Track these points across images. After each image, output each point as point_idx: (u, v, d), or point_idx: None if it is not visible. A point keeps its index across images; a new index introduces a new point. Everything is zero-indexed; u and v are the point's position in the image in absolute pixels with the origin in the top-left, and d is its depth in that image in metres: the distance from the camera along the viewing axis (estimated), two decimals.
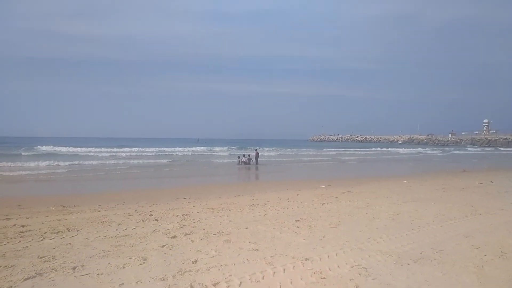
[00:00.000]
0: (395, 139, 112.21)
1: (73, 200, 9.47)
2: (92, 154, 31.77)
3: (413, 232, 6.06)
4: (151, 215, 7.37)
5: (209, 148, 43.90)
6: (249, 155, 24.42)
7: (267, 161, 27.60)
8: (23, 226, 6.37)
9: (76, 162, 22.52)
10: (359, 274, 4.19)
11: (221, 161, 27.77)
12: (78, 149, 37.03)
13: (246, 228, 6.24)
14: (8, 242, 5.36)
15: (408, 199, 9.42)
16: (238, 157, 24.96)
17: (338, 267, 4.40)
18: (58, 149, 37.02)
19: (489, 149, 64.18)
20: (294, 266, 4.40)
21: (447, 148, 60.33)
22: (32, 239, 5.52)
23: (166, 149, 39.29)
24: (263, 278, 4.06)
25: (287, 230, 6.11)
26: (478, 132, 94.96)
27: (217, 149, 44.02)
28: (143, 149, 39.92)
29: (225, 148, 45.73)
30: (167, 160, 26.20)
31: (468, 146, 75.74)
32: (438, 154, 45.00)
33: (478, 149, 61.71)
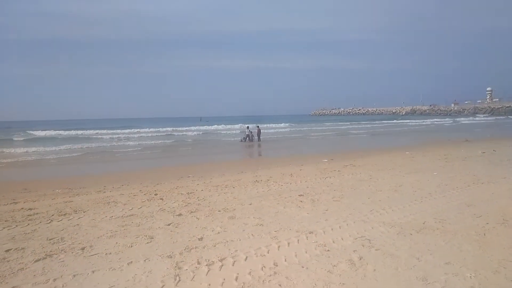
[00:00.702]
0: (398, 111, 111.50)
1: (79, 182, 9.55)
2: (95, 136, 31.88)
3: (415, 203, 6.10)
4: (156, 194, 7.43)
5: (215, 127, 43.65)
6: (251, 132, 24.48)
7: (269, 138, 27.64)
8: (30, 209, 6.47)
9: (80, 146, 22.65)
10: (363, 246, 4.25)
11: (227, 139, 27.89)
12: (78, 132, 37.17)
13: (250, 204, 6.30)
14: (17, 226, 5.46)
15: (411, 171, 9.43)
16: (244, 133, 25.01)
17: (342, 239, 4.47)
18: (55, 133, 36.74)
19: (502, 117, 63.25)
20: (298, 240, 4.47)
21: (457, 119, 59.61)
22: (40, 222, 5.62)
23: (174, 129, 39.50)
24: (268, 252, 4.13)
25: (290, 205, 6.17)
26: (481, 101, 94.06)
27: (227, 126, 43.82)
28: (147, 129, 40.08)
29: (237, 126, 44.60)
30: (171, 141, 26.27)
31: (479, 115, 74.86)
32: (446, 124, 44.87)
33: (491, 118, 60.76)
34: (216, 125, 45.63)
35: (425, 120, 57.79)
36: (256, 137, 24.39)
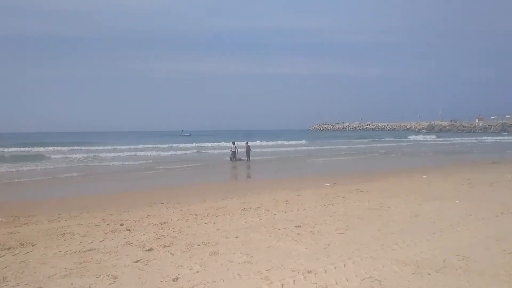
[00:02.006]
0: (413, 127, 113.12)
1: (27, 209, 9.36)
2: (49, 155, 31.37)
3: (434, 236, 6.13)
4: (122, 224, 7.34)
5: (196, 144, 43.53)
6: (236, 148, 24.58)
7: (260, 156, 27.64)
8: None
9: (32, 166, 22.29)
10: None
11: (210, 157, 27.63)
12: (29, 149, 36.62)
13: (237, 237, 6.26)
14: None
15: (429, 197, 9.51)
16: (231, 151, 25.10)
17: (347, 280, 4.44)
18: None
19: None
20: (294, 281, 4.42)
21: (483, 137, 60.49)
22: None
23: (150, 146, 39.74)
24: None
25: (285, 238, 6.15)
26: (510, 116, 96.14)
27: (211, 144, 43.85)
28: (118, 147, 39.92)
29: (224, 143, 43.75)
30: (141, 162, 25.86)
31: (507, 132, 76.07)
32: (470, 143, 45.57)
33: None
34: (198, 142, 45.54)
35: (445, 139, 58.76)
36: (245, 157, 24.49)
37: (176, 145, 43.25)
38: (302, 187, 12.23)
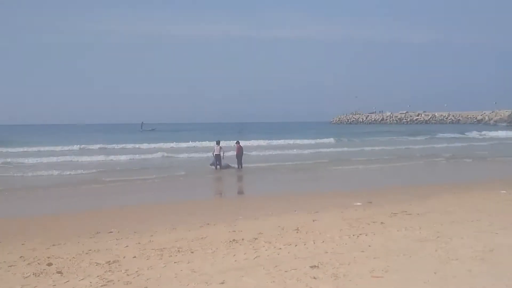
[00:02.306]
0: (487, 117, 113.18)
1: None
2: None
3: None
4: (50, 264, 7.25)
5: (161, 144, 43.38)
6: (222, 150, 24.62)
7: (258, 163, 27.60)
8: None
9: None
10: None
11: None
12: None
13: (223, 283, 6.21)
14: None
15: (510, 224, 9.52)
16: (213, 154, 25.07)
17: None
18: None
19: None
20: None
21: None
22: None
23: (99, 147, 39.99)
24: None
25: (295, 285, 6.10)
26: None
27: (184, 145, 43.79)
28: (38, 148, 39.76)
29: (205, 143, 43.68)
30: (84, 172, 25.76)
31: None
32: None
33: None
34: (165, 141, 45.13)
35: None
36: (232, 161, 24.50)
37: (133, 145, 43.19)
38: (320, 207, 12.20)
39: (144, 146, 42.56)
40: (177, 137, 54.43)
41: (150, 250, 8.04)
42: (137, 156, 33.08)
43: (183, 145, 43.91)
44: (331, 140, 51.78)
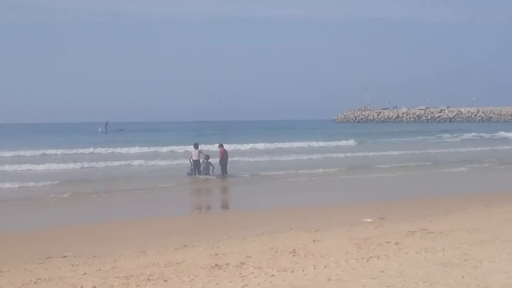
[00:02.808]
0: None
1: None
2: None
3: None
4: None
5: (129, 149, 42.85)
6: (199, 153, 24.41)
7: (249, 170, 27.37)
8: None
9: None
10: None
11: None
12: None
13: None
14: None
15: None
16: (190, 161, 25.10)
17: None
18: None
19: None
20: None
21: None
22: None
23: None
24: None
25: None
26: None
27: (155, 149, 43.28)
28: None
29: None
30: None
31: None
32: None
33: None
34: (134, 144, 44.70)
35: None
36: (215, 168, 24.67)
37: (92, 149, 42.88)
38: (322, 225, 12.11)
39: (109, 151, 42.39)
40: (149, 139, 53.98)
41: (113, 279, 7.80)
42: (99, 164, 32.50)
43: (154, 149, 43.74)
44: (351, 142, 52.32)
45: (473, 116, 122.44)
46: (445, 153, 39.89)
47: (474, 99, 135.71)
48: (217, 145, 27.38)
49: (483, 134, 65.47)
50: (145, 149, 43.28)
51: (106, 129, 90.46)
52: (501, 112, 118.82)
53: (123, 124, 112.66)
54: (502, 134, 63.90)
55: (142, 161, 34.50)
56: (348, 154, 39.08)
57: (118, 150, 42.50)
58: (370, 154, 39.27)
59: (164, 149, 43.68)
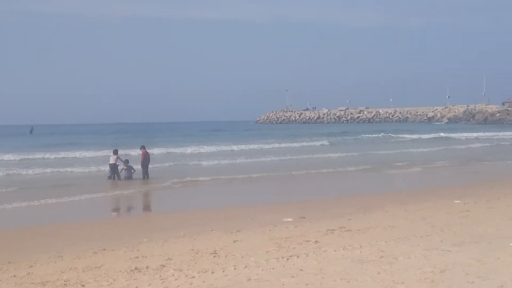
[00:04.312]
0: (438, 114, 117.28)
1: None
2: None
3: None
4: None
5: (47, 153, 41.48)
6: (121, 160, 24.58)
7: (172, 174, 27.09)
8: None
9: None
10: None
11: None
12: None
13: None
14: None
15: (464, 239, 9.66)
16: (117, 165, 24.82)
17: None
18: None
19: None
20: None
21: None
22: None
23: None
24: None
25: None
26: None
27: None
28: None
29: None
30: None
31: None
32: None
33: None
34: (55, 149, 43.63)
35: (495, 134, 61.57)
36: (135, 169, 24.57)
37: (14, 156, 40.96)
38: (244, 225, 12.15)
39: (30, 157, 40.00)
40: (70, 143, 52.77)
41: (29, 285, 7.66)
42: (21, 171, 31.36)
43: (75, 154, 41.99)
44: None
45: (390, 117, 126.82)
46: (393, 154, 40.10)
47: (391, 100, 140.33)
48: (139, 147, 26.78)
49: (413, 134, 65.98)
50: (64, 153, 41.61)
51: (31, 133, 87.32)
52: (417, 112, 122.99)
53: (40, 126, 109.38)
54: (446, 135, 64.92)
55: (55, 167, 33.28)
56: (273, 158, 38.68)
57: (38, 155, 40.60)
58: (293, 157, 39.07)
59: (90, 155, 41.45)
